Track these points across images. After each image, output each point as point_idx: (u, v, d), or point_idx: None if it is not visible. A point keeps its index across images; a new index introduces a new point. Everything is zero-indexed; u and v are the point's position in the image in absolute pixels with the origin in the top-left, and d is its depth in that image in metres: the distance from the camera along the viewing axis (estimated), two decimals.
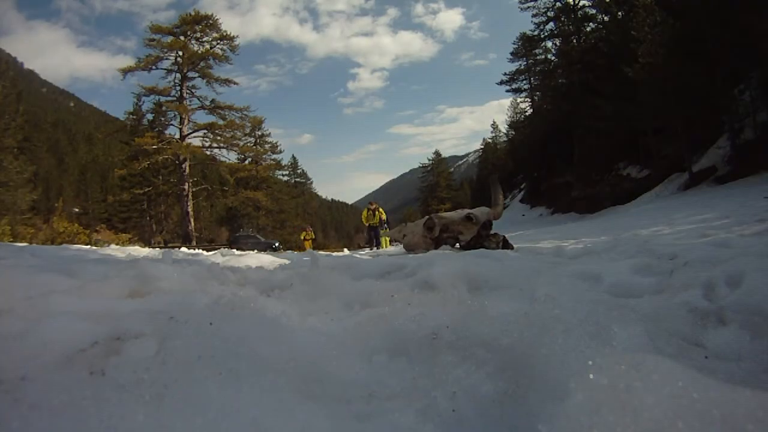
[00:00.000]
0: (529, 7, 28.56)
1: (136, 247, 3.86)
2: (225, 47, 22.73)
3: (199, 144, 22.39)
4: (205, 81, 22.42)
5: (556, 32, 28.66)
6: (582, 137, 23.27)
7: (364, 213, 11.31)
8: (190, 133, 22.19)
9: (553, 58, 29.56)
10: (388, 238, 10.69)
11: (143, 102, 23.79)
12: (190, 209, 21.72)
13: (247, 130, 27.48)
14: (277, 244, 20.14)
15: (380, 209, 11.84)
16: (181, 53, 21.65)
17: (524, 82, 33.62)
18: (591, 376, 0.40)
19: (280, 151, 30.99)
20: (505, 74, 33.63)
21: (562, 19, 27.94)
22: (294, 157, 42.38)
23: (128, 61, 21.08)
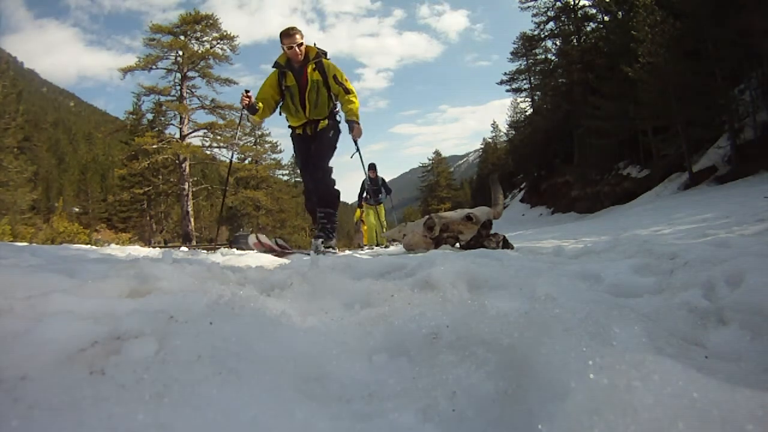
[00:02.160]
0: (529, 6, 28.57)
1: (136, 247, 3.86)
2: (225, 47, 22.72)
3: (199, 144, 22.38)
4: (205, 81, 22.42)
5: (556, 32, 28.67)
6: (582, 137, 23.29)
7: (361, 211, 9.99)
8: (190, 132, 22.18)
9: (553, 57, 29.57)
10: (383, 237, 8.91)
11: (143, 102, 23.78)
12: (190, 209, 21.72)
13: (247, 130, 27.51)
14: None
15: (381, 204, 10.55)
16: (181, 53, 21.64)
17: (524, 81, 33.62)
18: (591, 375, 0.40)
19: (281, 151, 30.95)
20: (505, 74, 33.63)
21: (562, 18, 27.95)
22: (294, 157, 42.33)
23: (135, 61, 21.06)
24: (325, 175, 3.76)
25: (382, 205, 9.60)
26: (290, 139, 4.00)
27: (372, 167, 9.21)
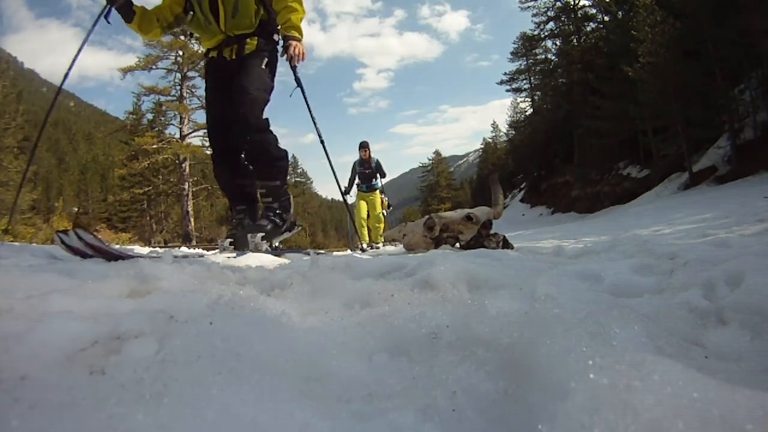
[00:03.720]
0: (529, 6, 28.59)
1: (136, 247, 3.86)
2: None
3: (199, 143, 22.40)
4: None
5: (556, 32, 28.71)
6: (582, 137, 23.31)
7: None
8: (190, 132, 22.19)
9: (553, 57, 29.59)
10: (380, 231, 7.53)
11: (143, 102, 23.80)
12: (190, 209, 21.74)
13: None
14: (277, 244, 20.11)
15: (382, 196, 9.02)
16: (181, 53, 21.65)
17: (524, 81, 33.66)
18: (591, 375, 0.40)
19: None
20: (505, 74, 33.68)
21: (562, 18, 27.99)
22: (294, 157, 42.65)
23: (135, 61, 21.08)
24: (259, 130, 2.49)
25: (377, 192, 7.70)
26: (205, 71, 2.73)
27: (363, 145, 7.60)
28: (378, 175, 7.63)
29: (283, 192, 2.67)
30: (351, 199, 8.08)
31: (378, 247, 7.01)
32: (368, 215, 7.74)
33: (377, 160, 7.58)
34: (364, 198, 7.66)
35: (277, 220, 2.56)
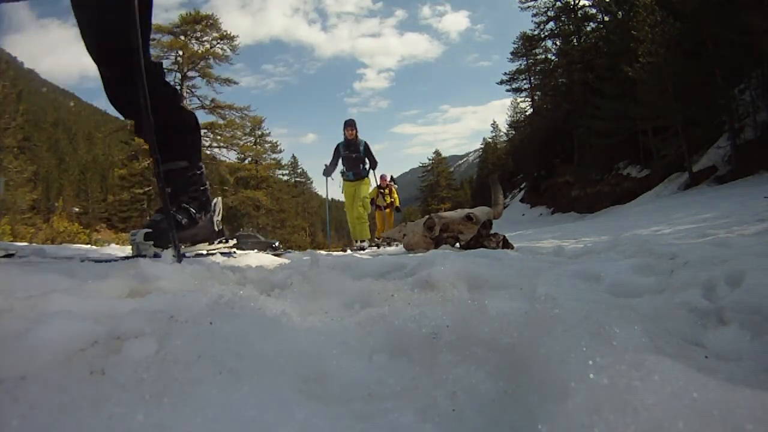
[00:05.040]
0: (529, 6, 28.61)
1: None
2: (225, 47, 22.80)
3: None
4: (205, 81, 22.50)
5: (556, 32, 28.74)
6: (582, 137, 23.32)
7: (373, 193, 7.51)
8: None
9: (553, 57, 29.61)
10: (366, 227, 6.49)
11: None
12: None
13: (247, 130, 27.61)
14: (276, 244, 20.18)
15: (394, 189, 8.37)
16: (181, 53, 21.70)
17: (524, 81, 33.69)
18: (591, 375, 0.40)
19: (280, 151, 31.09)
20: (505, 74, 33.72)
21: (562, 18, 28.01)
22: (294, 157, 42.70)
23: None
24: (150, 74, 1.51)
25: (366, 180, 6.43)
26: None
27: (349, 124, 6.31)
28: (367, 160, 6.36)
29: (195, 180, 1.86)
30: (333, 185, 7.12)
31: (364, 247, 6.05)
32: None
33: (365, 143, 6.33)
34: (352, 188, 6.38)
35: (180, 217, 1.81)
